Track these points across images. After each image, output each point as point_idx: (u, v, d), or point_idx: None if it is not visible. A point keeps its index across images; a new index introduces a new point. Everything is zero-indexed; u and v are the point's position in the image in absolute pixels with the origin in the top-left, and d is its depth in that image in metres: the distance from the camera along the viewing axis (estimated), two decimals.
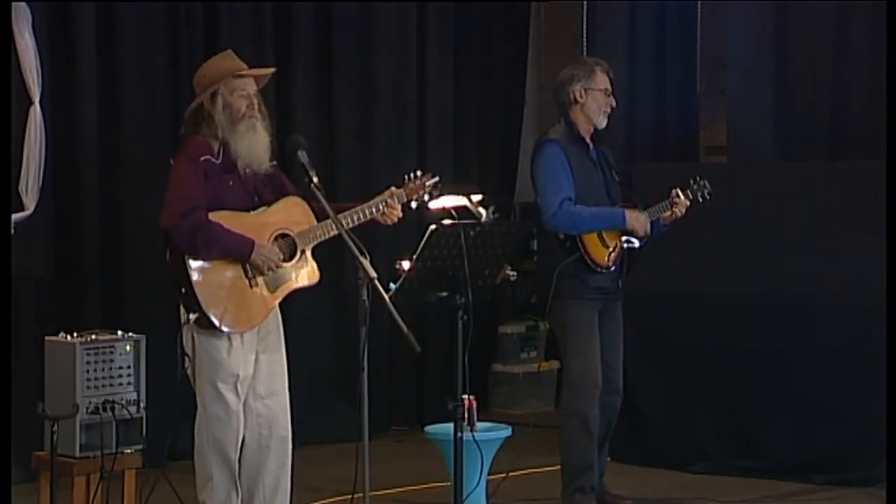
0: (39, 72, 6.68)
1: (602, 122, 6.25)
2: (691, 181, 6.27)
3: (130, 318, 6.81)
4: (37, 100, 6.68)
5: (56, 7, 7.06)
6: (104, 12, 7.26)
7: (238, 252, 5.23)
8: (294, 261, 5.35)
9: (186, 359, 5.30)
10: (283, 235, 5.36)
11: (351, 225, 5.32)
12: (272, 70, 5.61)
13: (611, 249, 6.16)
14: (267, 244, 5.28)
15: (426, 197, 5.54)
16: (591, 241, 6.12)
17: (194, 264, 5.20)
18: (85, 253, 7.24)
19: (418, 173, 5.55)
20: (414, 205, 5.55)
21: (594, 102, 6.20)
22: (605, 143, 6.37)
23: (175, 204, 5.22)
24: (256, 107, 5.36)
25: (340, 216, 5.30)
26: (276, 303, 5.37)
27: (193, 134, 5.35)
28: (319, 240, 5.34)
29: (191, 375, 5.37)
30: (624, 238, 6.19)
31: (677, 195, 6.19)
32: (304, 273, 5.39)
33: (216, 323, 5.21)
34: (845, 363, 6.79)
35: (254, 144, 5.31)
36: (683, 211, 6.20)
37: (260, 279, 5.28)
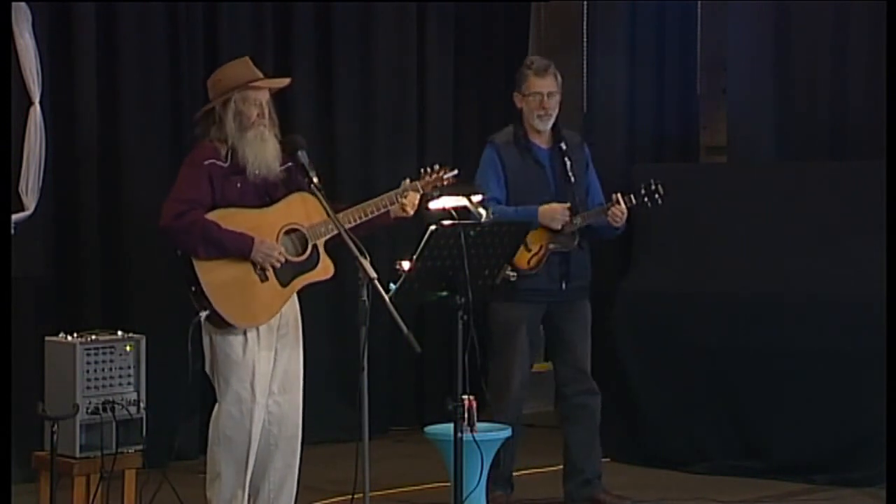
0: (39, 72, 6.68)
1: (540, 125, 6.24)
2: (643, 185, 6.15)
3: (130, 318, 6.82)
4: (37, 100, 6.67)
5: (56, 7, 7.05)
6: (104, 12, 7.26)
7: (236, 250, 5.24)
8: (305, 255, 5.36)
9: (200, 357, 5.31)
10: (294, 230, 5.37)
11: (363, 219, 5.37)
12: (287, 81, 5.66)
13: (533, 252, 6.11)
14: (272, 240, 5.29)
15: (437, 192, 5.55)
16: None
17: (201, 263, 5.22)
18: (85, 253, 7.23)
19: (436, 167, 5.59)
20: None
21: (527, 107, 6.25)
22: (566, 141, 6.27)
23: (171, 206, 5.26)
24: (267, 114, 5.40)
25: (352, 211, 5.37)
26: (290, 296, 5.38)
27: (203, 137, 5.41)
28: (331, 234, 5.34)
29: (209, 373, 5.39)
30: (550, 244, 6.13)
31: (617, 201, 6.09)
32: (317, 267, 5.40)
33: (229, 320, 5.23)
34: (845, 363, 6.79)
35: (262, 151, 5.34)
36: (622, 218, 6.09)
37: (270, 273, 5.30)
